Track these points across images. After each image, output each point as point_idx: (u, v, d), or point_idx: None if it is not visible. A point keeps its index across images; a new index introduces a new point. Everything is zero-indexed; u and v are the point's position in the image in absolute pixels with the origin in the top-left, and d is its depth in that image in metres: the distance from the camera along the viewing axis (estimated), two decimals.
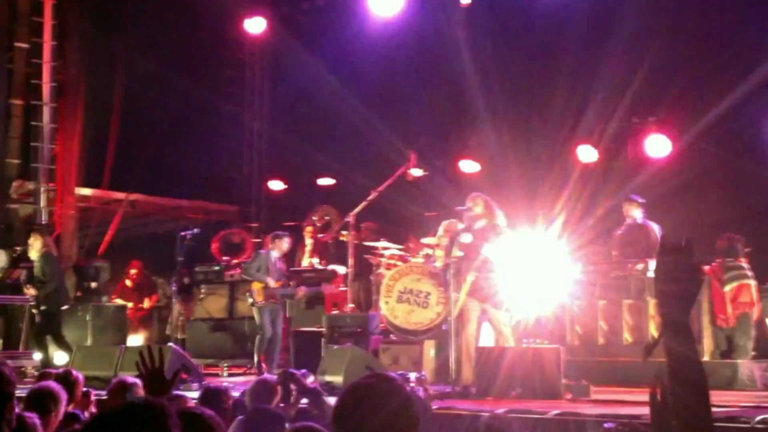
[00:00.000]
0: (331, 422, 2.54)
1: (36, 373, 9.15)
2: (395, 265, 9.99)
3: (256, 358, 10.20)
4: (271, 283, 10.13)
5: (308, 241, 12.35)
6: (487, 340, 8.48)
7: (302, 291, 10.47)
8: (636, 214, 9.13)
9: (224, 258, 12.92)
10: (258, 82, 16.20)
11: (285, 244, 10.44)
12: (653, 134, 10.83)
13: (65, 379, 5.59)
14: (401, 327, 9.53)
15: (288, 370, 5.91)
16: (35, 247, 10.56)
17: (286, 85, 15.46)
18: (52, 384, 4.93)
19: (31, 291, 10.59)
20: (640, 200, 9.23)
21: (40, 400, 4.62)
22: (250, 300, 10.29)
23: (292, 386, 5.61)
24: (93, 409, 5.70)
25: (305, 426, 3.35)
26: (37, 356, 10.72)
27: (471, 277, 8.12)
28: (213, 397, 4.98)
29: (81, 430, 2.61)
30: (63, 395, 4.76)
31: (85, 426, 2.30)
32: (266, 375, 7.23)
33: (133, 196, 14.59)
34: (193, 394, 5.89)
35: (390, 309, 9.50)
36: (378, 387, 2.50)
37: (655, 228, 9.05)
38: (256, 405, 5.22)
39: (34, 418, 3.95)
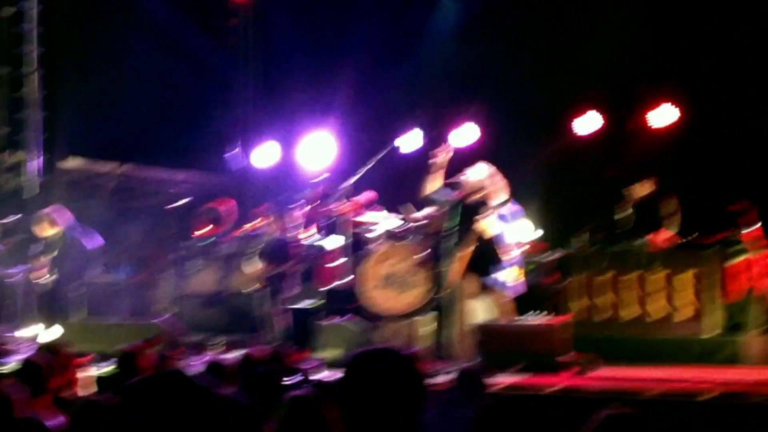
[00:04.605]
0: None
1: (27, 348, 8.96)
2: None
3: None
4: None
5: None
6: (486, 314, 8.30)
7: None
8: (643, 190, 8.93)
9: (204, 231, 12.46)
10: (249, 48, 15.88)
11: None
12: (661, 102, 10.65)
13: (52, 353, 5.37)
14: (382, 314, 9.31)
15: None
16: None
17: (278, 52, 15.19)
18: (45, 357, 4.77)
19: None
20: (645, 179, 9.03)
21: (33, 374, 4.45)
22: None
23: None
24: (90, 387, 5.45)
25: (303, 393, 3.16)
26: (30, 331, 10.54)
27: (468, 250, 7.93)
28: (219, 369, 4.82)
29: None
30: (56, 370, 4.61)
31: None
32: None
33: (123, 167, 14.32)
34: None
35: (370, 299, 9.23)
36: (386, 356, 2.42)
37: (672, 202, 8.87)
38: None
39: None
